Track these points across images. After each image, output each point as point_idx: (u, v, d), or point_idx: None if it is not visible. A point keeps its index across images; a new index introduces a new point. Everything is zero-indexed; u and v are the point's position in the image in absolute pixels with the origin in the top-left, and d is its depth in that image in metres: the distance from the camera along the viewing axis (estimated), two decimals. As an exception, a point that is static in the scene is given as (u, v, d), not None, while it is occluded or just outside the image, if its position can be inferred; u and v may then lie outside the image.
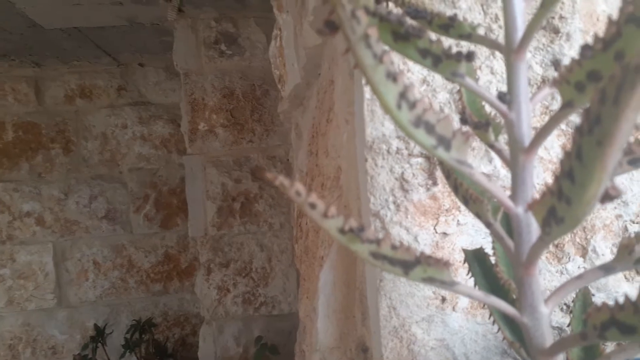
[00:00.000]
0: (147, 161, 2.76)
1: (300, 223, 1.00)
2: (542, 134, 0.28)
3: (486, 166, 0.48)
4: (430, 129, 0.26)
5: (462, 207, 0.48)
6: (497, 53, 0.49)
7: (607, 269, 0.28)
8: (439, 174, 0.48)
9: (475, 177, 0.28)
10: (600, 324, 0.23)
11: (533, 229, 0.29)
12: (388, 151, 0.48)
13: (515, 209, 0.29)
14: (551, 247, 0.50)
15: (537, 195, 0.25)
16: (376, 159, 0.48)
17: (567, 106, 0.25)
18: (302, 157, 1.07)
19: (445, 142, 0.27)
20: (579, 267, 0.49)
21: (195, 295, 2.39)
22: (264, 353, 2.05)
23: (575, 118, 0.50)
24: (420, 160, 0.48)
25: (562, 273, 0.49)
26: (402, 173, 0.48)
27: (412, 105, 0.26)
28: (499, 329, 0.36)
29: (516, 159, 0.30)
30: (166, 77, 2.78)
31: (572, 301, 0.48)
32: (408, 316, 0.48)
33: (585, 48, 0.22)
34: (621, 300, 0.22)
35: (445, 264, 0.28)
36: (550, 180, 0.49)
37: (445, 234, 0.48)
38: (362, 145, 0.49)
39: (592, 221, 0.50)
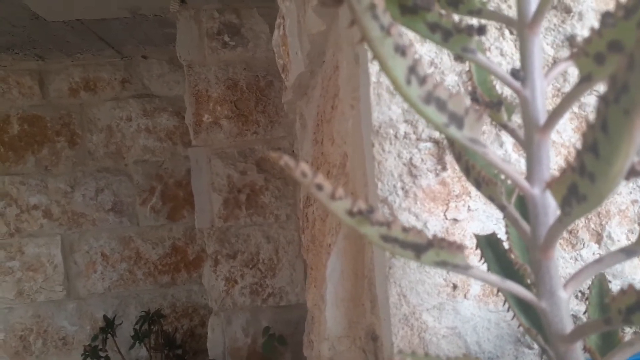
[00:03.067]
0: (152, 153, 2.76)
1: (307, 213, 0.99)
2: (558, 111, 0.27)
3: (497, 150, 0.47)
4: (441, 105, 0.25)
5: (473, 193, 0.47)
6: (507, 34, 0.47)
7: (628, 252, 0.27)
8: (448, 158, 0.47)
9: (490, 157, 0.27)
10: (625, 307, 0.22)
11: (550, 210, 0.28)
12: (395, 136, 0.47)
13: (531, 190, 0.28)
14: (565, 233, 0.48)
15: (555, 175, 0.24)
16: (383, 144, 0.47)
17: (586, 80, 0.24)
18: (307, 146, 1.06)
19: (457, 120, 0.26)
20: (593, 254, 0.48)
21: (203, 287, 2.40)
22: (272, 343, 2.06)
23: (586, 100, 0.48)
24: (428, 144, 0.47)
25: (576, 259, 0.48)
26: (411, 158, 0.47)
27: (423, 80, 0.25)
28: (514, 316, 0.35)
29: (531, 138, 0.28)
30: (170, 69, 2.77)
31: (588, 288, 0.47)
32: (418, 304, 0.47)
33: (606, 16, 0.21)
34: (646, 282, 0.21)
35: (458, 247, 0.26)
36: (563, 164, 0.47)
37: (455, 220, 0.47)
38: (368, 130, 0.48)
39: (607, 206, 0.48)
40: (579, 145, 0.20)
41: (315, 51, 0.87)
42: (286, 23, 1.09)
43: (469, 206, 0.47)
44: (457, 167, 0.47)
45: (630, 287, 0.21)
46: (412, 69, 0.24)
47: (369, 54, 0.46)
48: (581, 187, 0.20)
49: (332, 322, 0.58)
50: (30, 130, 2.69)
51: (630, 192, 0.48)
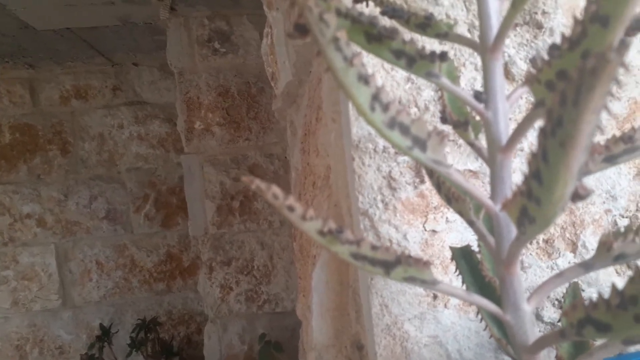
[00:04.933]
0: (145, 161, 2.76)
1: (297, 220, 0.99)
2: (518, 132, 0.28)
3: (473, 163, 0.48)
4: (405, 130, 0.26)
5: (450, 204, 0.48)
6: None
7: (586, 266, 0.28)
8: (426, 171, 0.48)
9: (453, 177, 0.28)
10: (576, 322, 0.24)
11: (513, 227, 0.29)
12: (375, 150, 0.48)
13: (494, 208, 0.29)
14: (541, 243, 0.50)
15: (508, 197, 0.25)
16: (363, 158, 0.48)
17: (540, 105, 0.25)
18: (297, 155, 1.07)
19: (420, 143, 0.27)
20: (569, 263, 0.49)
21: (199, 294, 2.40)
22: (269, 350, 2.06)
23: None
24: (407, 158, 0.48)
25: (552, 269, 0.49)
26: (390, 172, 0.48)
27: (386, 107, 0.26)
28: (486, 326, 0.36)
29: (494, 157, 0.30)
30: (161, 77, 2.78)
31: (563, 297, 0.48)
32: (400, 314, 0.48)
33: (553, 48, 0.22)
34: (595, 298, 0.22)
35: (425, 264, 0.27)
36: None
37: (434, 231, 0.48)
38: (349, 144, 0.49)
39: (581, 216, 0.49)
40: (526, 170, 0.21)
41: (301, 61, 0.88)
42: (274, 32, 1.10)
43: (447, 217, 0.48)
44: (434, 179, 0.48)
45: (580, 302, 0.22)
46: (376, 97, 0.26)
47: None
48: (530, 210, 0.22)
49: (319, 331, 0.59)
50: (22, 139, 2.69)
51: (604, 202, 0.50)
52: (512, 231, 0.29)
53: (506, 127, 0.30)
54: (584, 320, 0.23)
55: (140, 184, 2.76)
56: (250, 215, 2.12)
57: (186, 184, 2.11)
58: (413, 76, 0.47)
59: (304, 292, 0.72)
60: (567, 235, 0.49)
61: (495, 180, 0.29)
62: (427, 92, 0.47)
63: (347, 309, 0.58)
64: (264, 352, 2.06)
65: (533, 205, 0.21)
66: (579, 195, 0.21)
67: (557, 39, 0.48)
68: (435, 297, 0.48)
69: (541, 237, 0.49)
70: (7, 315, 2.68)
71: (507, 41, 0.48)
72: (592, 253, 0.49)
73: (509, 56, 0.48)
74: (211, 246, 2.10)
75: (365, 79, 0.25)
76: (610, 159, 0.27)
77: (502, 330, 0.35)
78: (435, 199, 0.48)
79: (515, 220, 0.24)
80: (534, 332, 0.29)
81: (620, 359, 0.48)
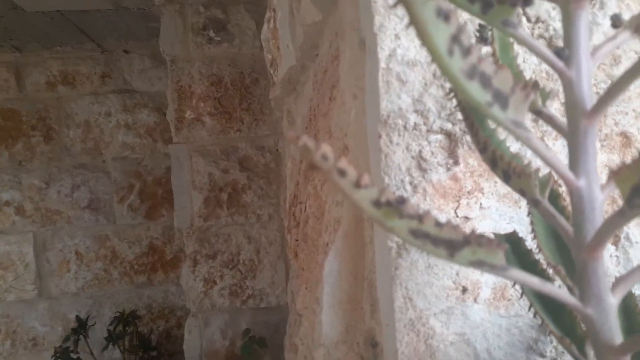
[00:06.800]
0: (131, 150, 2.70)
1: (294, 212, 0.95)
2: (611, 93, 0.24)
3: (513, 144, 0.44)
4: (486, 81, 0.22)
5: (486, 190, 0.44)
6: (523, 19, 0.45)
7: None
8: (460, 152, 0.44)
9: (534, 143, 0.24)
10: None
11: (597, 204, 0.25)
12: (404, 127, 0.43)
13: (576, 182, 0.25)
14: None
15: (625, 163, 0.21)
16: (391, 136, 0.44)
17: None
18: (297, 143, 1.03)
19: (502, 99, 0.22)
20: (610, 256, 0.45)
21: (181, 288, 2.34)
22: (252, 346, 2.01)
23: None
24: (439, 137, 0.44)
25: (590, 262, 0.46)
26: (420, 151, 0.44)
27: (467, 51, 0.21)
28: (542, 322, 0.32)
29: (576, 124, 0.25)
30: (152, 65, 2.71)
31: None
32: (426, 308, 0.44)
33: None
34: None
35: (498, 245, 0.23)
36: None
37: (467, 218, 0.44)
38: (375, 120, 0.45)
39: (622, 206, 0.46)
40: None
41: (308, 43, 0.84)
42: (277, 16, 1.06)
43: (481, 203, 0.44)
44: (469, 161, 0.44)
45: None
46: (456, 38, 0.21)
47: (379, 38, 0.43)
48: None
49: (329, 326, 0.54)
50: (4, 125, 2.61)
51: (649, 193, 0.46)
52: (596, 209, 0.25)
53: (590, 89, 0.25)
54: None
55: (126, 173, 2.69)
56: (238, 208, 2.07)
57: (173, 174, 2.05)
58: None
59: (308, 284, 0.67)
60: (610, 227, 0.45)
61: (577, 151, 0.25)
62: (466, 65, 0.43)
63: (361, 302, 0.54)
64: (246, 348, 2.01)
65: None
66: None
67: (608, 12, 0.44)
68: (464, 290, 0.44)
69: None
70: (-21, 305, 2.60)
71: (553, 13, 0.44)
72: (636, 246, 0.45)
73: (555, 29, 0.44)
74: (197, 239, 2.05)
75: (445, 15, 0.21)
76: None
77: (564, 327, 0.31)
78: (469, 182, 0.44)
79: (629, 190, 0.19)
80: (619, 329, 0.25)
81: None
